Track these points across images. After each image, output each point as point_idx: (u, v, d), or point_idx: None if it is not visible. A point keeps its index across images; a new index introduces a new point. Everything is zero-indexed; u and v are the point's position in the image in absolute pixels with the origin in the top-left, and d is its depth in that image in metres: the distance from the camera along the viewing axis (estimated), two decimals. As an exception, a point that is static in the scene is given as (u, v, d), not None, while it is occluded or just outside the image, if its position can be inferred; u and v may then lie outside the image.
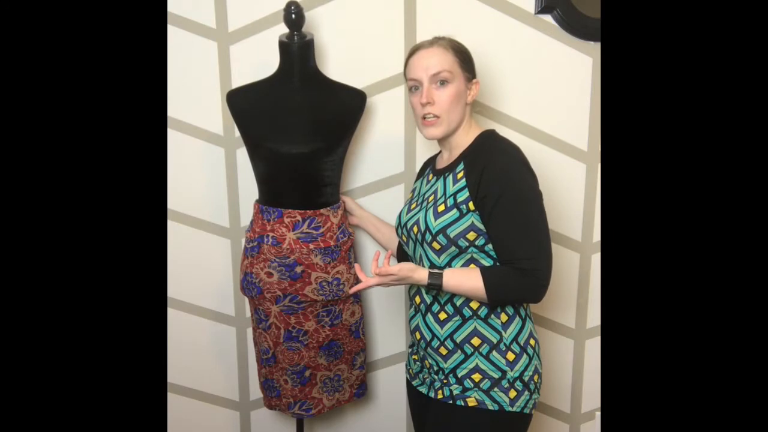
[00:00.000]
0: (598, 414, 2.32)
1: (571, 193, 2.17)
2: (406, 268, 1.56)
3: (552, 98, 2.07)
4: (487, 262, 1.57)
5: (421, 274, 1.56)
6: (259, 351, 1.97)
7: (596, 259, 2.22)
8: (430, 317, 1.63)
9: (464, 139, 1.63)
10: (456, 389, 1.59)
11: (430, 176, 1.71)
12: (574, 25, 2.03)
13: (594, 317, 2.26)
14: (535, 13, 2.03)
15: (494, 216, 1.52)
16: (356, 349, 2.01)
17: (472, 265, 1.57)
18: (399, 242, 1.87)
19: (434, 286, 1.56)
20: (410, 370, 1.78)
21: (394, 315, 2.18)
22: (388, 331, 2.21)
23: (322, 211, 1.85)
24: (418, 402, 1.75)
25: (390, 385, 2.25)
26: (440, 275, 1.55)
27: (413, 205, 1.69)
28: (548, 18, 2.03)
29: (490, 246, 1.55)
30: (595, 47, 2.06)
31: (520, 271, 1.51)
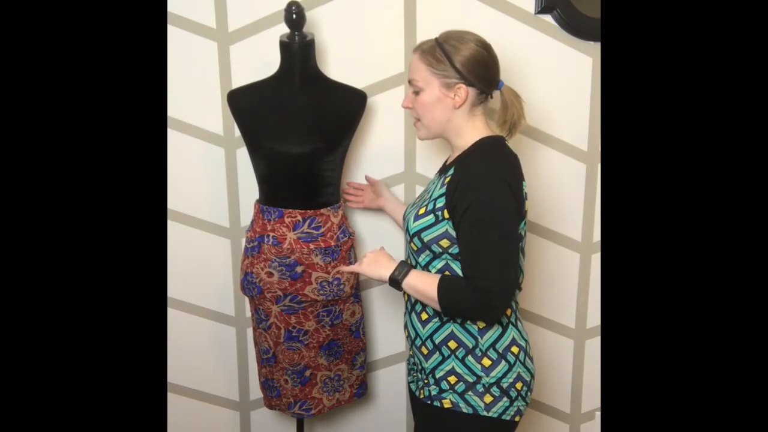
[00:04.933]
0: (598, 414, 2.33)
1: (571, 193, 2.17)
2: (367, 261, 1.60)
3: (552, 98, 2.07)
4: (461, 271, 1.54)
5: (388, 269, 1.57)
6: (260, 351, 1.97)
7: (596, 259, 2.22)
8: (414, 316, 1.64)
9: (461, 142, 1.60)
10: (434, 390, 1.60)
11: (438, 174, 1.71)
12: (574, 25, 2.03)
13: (594, 317, 2.26)
14: (535, 13, 2.03)
15: (461, 228, 1.50)
16: (356, 349, 2.01)
17: (447, 272, 1.55)
18: None
19: (395, 281, 1.56)
20: (408, 366, 1.79)
21: (394, 315, 2.18)
22: (388, 331, 2.21)
23: (322, 211, 1.85)
24: (412, 398, 1.76)
25: (390, 385, 2.25)
26: (406, 273, 1.55)
27: (416, 200, 1.69)
28: (548, 18, 2.03)
29: None
30: (595, 47, 2.06)
31: (474, 288, 1.48)
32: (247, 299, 2.03)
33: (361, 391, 2.06)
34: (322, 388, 1.97)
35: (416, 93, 1.59)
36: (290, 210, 1.83)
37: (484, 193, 1.49)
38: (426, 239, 1.55)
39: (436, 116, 1.58)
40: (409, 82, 1.61)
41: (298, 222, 1.83)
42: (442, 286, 1.51)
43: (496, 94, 1.63)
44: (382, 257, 1.61)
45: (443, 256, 1.55)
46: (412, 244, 1.60)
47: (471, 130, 1.59)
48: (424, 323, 1.61)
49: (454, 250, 1.53)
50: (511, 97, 1.62)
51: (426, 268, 1.58)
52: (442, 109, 1.57)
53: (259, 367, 2.01)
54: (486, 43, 1.59)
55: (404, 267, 1.57)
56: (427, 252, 1.57)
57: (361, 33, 2.00)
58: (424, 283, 1.53)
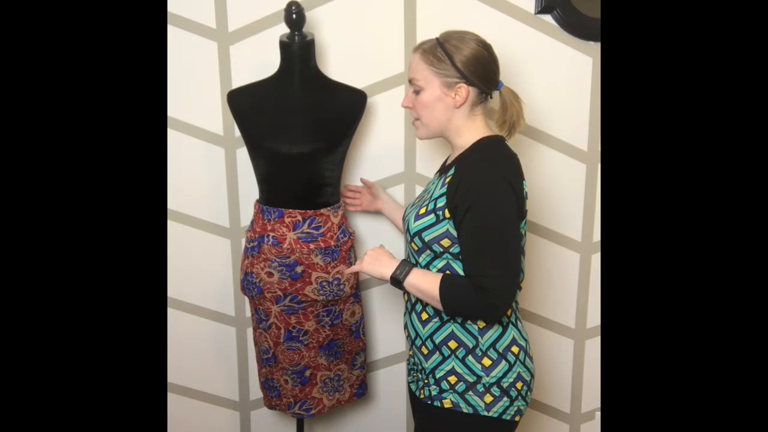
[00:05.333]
0: (598, 414, 2.33)
1: (571, 193, 2.17)
2: (368, 260, 1.60)
3: (552, 98, 2.07)
4: (462, 271, 1.54)
5: (390, 268, 1.57)
6: (260, 351, 1.97)
7: (596, 259, 2.22)
8: (414, 316, 1.64)
9: (461, 142, 1.60)
10: (434, 390, 1.59)
11: (438, 174, 1.71)
12: (574, 25, 2.03)
13: (594, 317, 2.26)
14: (535, 13, 2.03)
15: (462, 228, 1.50)
16: (356, 349, 2.01)
17: (447, 272, 1.55)
18: None
19: (396, 280, 1.56)
20: (408, 367, 1.79)
21: (394, 315, 2.18)
22: (388, 331, 2.21)
23: (322, 211, 1.85)
24: (411, 398, 1.76)
25: (390, 385, 2.25)
26: (407, 272, 1.55)
27: (416, 200, 1.69)
28: (548, 18, 2.04)
29: None
30: (595, 47, 2.06)
31: (476, 288, 1.48)
32: (247, 299, 2.03)
33: (361, 391, 2.06)
34: (322, 388, 1.97)
35: (416, 92, 1.59)
36: (290, 210, 1.83)
37: (486, 193, 1.49)
38: (427, 239, 1.55)
39: (437, 115, 1.58)
40: (410, 81, 1.61)
41: (298, 222, 1.83)
42: (443, 285, 1.51)
43: (496, 94, 1.63)
44: (383, 255, 1.61)
45: (444, 256, 1.55)
46: (412, 244, 1.60)
47: (471, 130, 1.60)
48: (424, 323, 1.61)
49: (455, 249, 1.53)
50: (510, 98, 1.62)
51: (427, 267, 1.58)
52: (442, 108, 1.57)
53: (259, 367, 2.01)
54: (486, 43, 1.59)
55: (406, 266, 1.57)
56: (428, 252, 1.56)
57: (361, 33, 2.00)
58: (425, 282, 1.53)
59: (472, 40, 1.57)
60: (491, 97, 1.62)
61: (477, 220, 1.48)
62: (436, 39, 1.58)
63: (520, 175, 1.58)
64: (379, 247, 1.64)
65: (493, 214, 1.48)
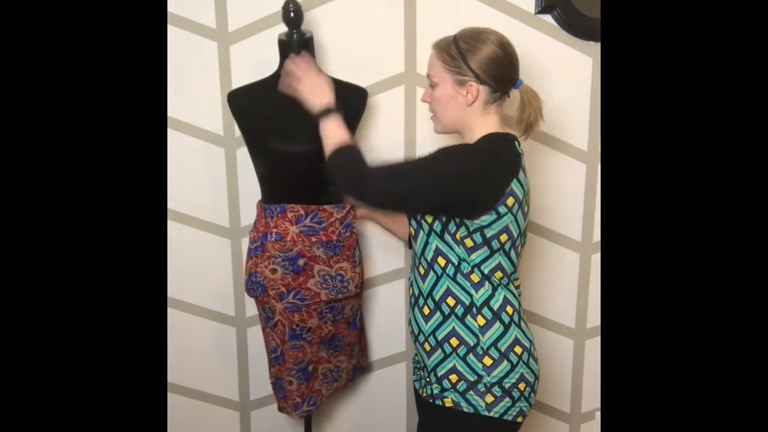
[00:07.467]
0: (598, 414, 2.33)
1: (571, 193, 2.17)
2: (309, 84, 1.67)
3: (552, 98, 2.07)
4: (453, 253, 1.56)
5: (320, 106, 1.64)
6: (269, 350, 1.96)
7: (596, 259, 2.22)
8: (416, 310, 1.64)
9: (471, 139, 1.61)
10: (436, 388, 1.60)
11: None
12: (574, 25, 2.03)
13: (594, 317, 2.26)
14: (535, 13, 2.03)
15: None
16: (354, 339, 2.01)
17: (439, 257, 1.58)
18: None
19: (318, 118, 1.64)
20: (413, 365, 1.79)
21: (395, 315, 2.18)
22: (388, 331, 2.21)
23: (325, 207, 1.85)
24: (416, 397, 1.76)
25: (390, 385, 2.25)
26: (327, 117, 1.62)
27: None
28: (548, 18, 2.04)
29: (457, 239, 1.55)
30: (595, 47, 2.06)
31: (366, 162, 1.55)
32: (248, 299, 2.03)
33: (354, 375, 2.06)
34: (323, 380, 1.97)
35: (433, 88, 1.62)
36: (292, 205, 1.83)
37: (449, 158, 1.53)
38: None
39: (449, 112, 1.60)
40: (427, 76, 1.63)
41: (300, 216, 1.83)
42: (342, 145, 1.57)
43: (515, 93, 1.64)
44: (326, 86, 1.66)
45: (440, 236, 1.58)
46: (410, 228, 1.64)
47: (483, 127, 1.60)
48: (427, 318, 1.61)
49: (451, 227, 1.55)
50: (528, 97, 1.62)
51: (431, 254, 1.59)
52: (454, 105, 1.59)
53: (269, 368, 2.00)
54: (504, 42, 1.59)
55: (332, 110, 1.63)
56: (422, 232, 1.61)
57: (361, 33, 2.00)
58: (334, 131, 1.60)
59: (487, 40, 1.57)
60: (508, 96, 1.62)
61: (420, 159, 1.56)
62: (453, 36, 1.59)
63: (512, 172, 1.56)
64: (318, 73, 1.70)
65: (436, 165, 1.52)
